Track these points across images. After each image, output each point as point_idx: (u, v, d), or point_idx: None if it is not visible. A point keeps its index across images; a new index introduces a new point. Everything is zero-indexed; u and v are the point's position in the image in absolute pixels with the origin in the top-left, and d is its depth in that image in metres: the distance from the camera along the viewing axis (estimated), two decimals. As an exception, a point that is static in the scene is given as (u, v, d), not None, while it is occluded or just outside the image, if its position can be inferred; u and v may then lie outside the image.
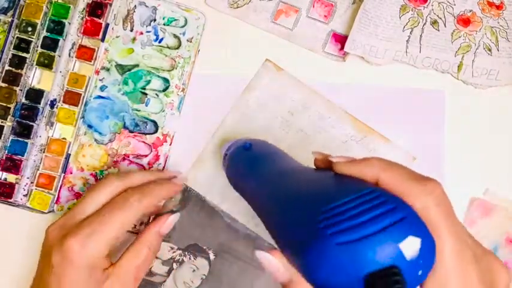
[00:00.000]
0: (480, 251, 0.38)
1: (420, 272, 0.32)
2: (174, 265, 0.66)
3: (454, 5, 0.64)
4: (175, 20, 0.66)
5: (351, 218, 0.32)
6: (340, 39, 0.66)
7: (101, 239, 0.53)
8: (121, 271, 0.54)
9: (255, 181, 0.50)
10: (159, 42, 0.66)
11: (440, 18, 0.64)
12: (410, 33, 0.64)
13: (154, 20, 0.66)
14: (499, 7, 0.64)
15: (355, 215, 0.32)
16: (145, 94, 0.66)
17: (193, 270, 0.66)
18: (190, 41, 0.66)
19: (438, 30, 0.64)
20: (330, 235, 0.32)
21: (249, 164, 0.53)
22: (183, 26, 0.66)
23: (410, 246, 0.31)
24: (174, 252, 0.66)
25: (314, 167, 0.46)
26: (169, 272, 0.66)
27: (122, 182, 0.58)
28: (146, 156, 0.66)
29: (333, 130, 0.65)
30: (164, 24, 0.66)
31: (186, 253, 0.66)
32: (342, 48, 0.66)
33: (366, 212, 0.32)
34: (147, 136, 0.66)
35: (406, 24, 0.64)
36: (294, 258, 0.36)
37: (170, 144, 0.66)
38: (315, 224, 0.34)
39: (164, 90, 0.66)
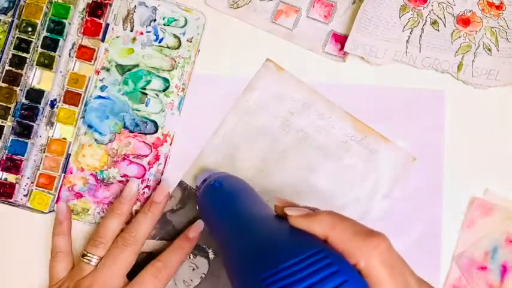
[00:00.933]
0: None
1: None
2: None
3: (454, 5, 0.65)
4: (175, 20, 0.66)
5: (294, 283, 0.33)
6: (340, 40, 0.66)
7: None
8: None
9: (216, 221, 0.52)
10: (159, 42, 0.66)
11: (440, 18, 0.65)
12: (410, 33, 0.65)
13: (154, 20, 0.66)
14: (498, 7, 0.65)
15: (299, 279, 0.34)
16: (146, 94, 0.66)
17: (193, 269, 0.66)
18: (190, 41, 0.66)
19: (438, 31, 0.65)
20: None
21: (214, 204, 0.55)
22: (183, 26, 0.66)
23: None
24: None
25: (274, 214, 0.47)
26: (169, 271, 0.66)
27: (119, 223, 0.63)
28: (146, 156, 0.66)
29: (333, 130, 0.65)
30: (164, 25, 0.66)
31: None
32: (342, 48, 0.66)
33: (310, 276, 0.34)
34: (147, 136, 0.66)
35: (406, 24, 0.64)
36: None
37: (170, 144, 0.66)
38: (262, 284, 0.35)
39: (164, 90, 0.66)
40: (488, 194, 0.65)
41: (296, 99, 0.66)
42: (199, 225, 0.64)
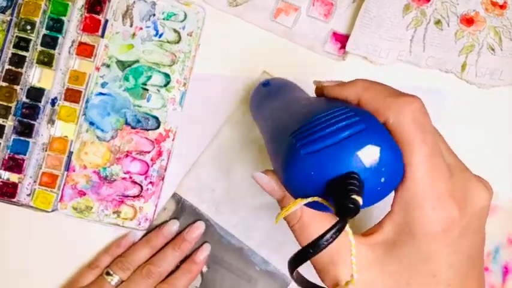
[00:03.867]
0: (458, 167, 0.39)
1: (383, 179, 0.35)
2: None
3: (458, 4, 0.64)
4: (175, 14, 0.66)
5: (317, 131, 0.35)
6: (340, 38, 0.66)
7: None
8: None
9: (264, 113, 0.53)
10: (159, 37, 0.66)
11: (444, 17, 0.64)
12: (414, 32, 0.64)
13: (154, 15, 0.66)
14: (502, 7, 0.64)
15: (321, 128, 0.35)
16: (147, 90, 0.66)
17: None
18: (191, 35, 0.66)
19: (442, 30, 0.64)
20: (299, 147, 0.35)
21: (263, 98, 0.56)
22: (182, 21, 0.66)
23: (369, 154, 0.34)
24: None
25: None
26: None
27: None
28: (149, 152, 0.66)
29: None
30: (164, 19, 0.66)
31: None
32: (342, 47, 0.65)
33: (331, 125, 0.35)
34: (150, 132, 0.66)
35: (410, 23, 0.64)
36: (278, 173, 0.39)
37: (173, 140, 0.66)
38: (290, 139, 0.37)
39: (165, 85, 0.66)
40: (490, 195, 0.65)
41: None
42: (207, 248, 0.65)
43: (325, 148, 0.34)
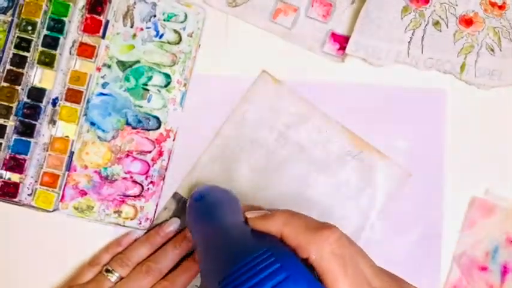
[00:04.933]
0: (381, 285, 0.40)
1: None
2: None
3: (456, 5, 0.64)
4: (175, 15, 0.66)
5: (244, 282, 0.36)
6: (339, 39, 0.66)
7: None
8: None
9: (197, 232, 0.54)
10: (160, 37, 0.66)
11: (443, 19, 0.64)
12: (412, 34, 0.64)
13: (154, 15, 0.66)
14: (501, 7, 0.64)
15: (248, 278, 0.36)
16: (147, 90, 0.66)
17: None
18: (191, 36, 0.66)
19: (440, 31, 0.64)
20: None
21: (194, 217, 0.57)
22: (183, 21, 0.66)
23: None
24: None
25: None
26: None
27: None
28: (150, 152, 0.66)
29: (330, 144, 0.65)
30: (164, 20, 0.66)
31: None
32: (341, 48, 0.66)
33: (257, 274, 0.36)
34: (150, 132, 0.66)
35: (408, 25, 0.64)
36: None
37: (174, 140, 0.66)
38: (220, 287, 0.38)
39: (166, 85, 0.66)
40: (489, 194, 0.65)
41: (293, 113, 0.66)
42: None
43: None
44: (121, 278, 0.62)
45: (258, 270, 0.36)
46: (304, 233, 0.39)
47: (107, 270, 0.62)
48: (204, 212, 0.56)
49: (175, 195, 0.66)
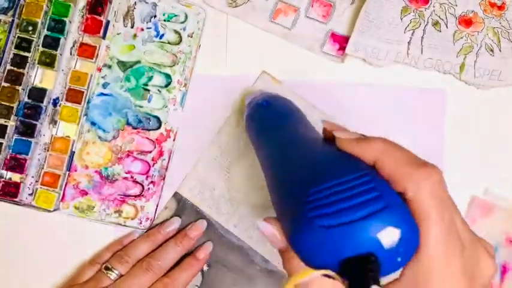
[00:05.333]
0: (469, 240, 0.38)
1: (399, 259, 0.33)
2: None
3: (456, 5, 0.64)
4: (176, 15, 0.66)
5: (335, 202, 0.33)
6: (339, 40, 0.66)
7: None
8: None
9: (264, 143, 0.51)
10: (160, 38, 0.66)
11: (442, 19, 0.64)
12: (412, 34, 0.64)
13: (155, 16, 0.66)
14: (500, 7, 0.64)
15: (340, 200, 0.33)
16: (148, 90, 0.66)
17: None
18: (191, 36, 0.66)
19: (440, 31, 0.64)
20: (314, 217, 0.33)
21: (262, 124, 0.54)
22: (183, 22, 0.66)
23: (389, 236, 0.32)
24: None
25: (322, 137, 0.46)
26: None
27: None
28: (150, 152, 0.66)
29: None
30: (165, 20, 0.66)
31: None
32: (341, 48, 0.66)
33: (351, 198, 0.33)
34: (151, 132, 0.66)
35: (408, 25, 0.64)
36: (285, 230, 0.38)
37: (174, 140, 0.66)
38: (303, 204, 0.35)
39: (166, 86, 0.66)
40: (488, 194, 0.65)
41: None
42: (209, 246, 0.66)
43: (342, 225, 0.33)
44: (121, 276, 0.62)
45: (354, 193, 0.33)
46: (403, 166, 0.36)
47: (106, 268, 0.62)
48: (275, 120, 0.53)
49: (175, 195, 0.67)
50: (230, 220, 0.66)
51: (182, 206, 0.66)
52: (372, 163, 0.38)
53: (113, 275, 0.62)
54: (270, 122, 0.53)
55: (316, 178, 0.36)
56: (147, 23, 0.66)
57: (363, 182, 0.34)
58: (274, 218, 0.41)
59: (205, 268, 0.66)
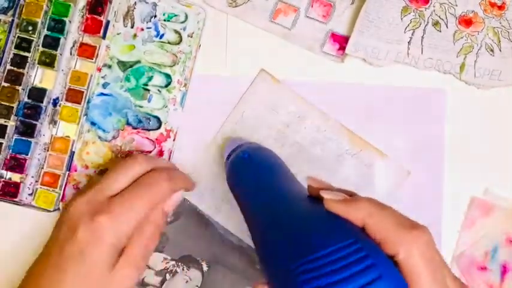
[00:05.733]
0: None
1: None
2: (167, 276, 0.66)
3: (456, 5, 0.64)
4: (176, 15, 0.66)
5: (328, 274, 0.33)
6: (339, 39, 0.66)
7: (131, 219, 0.54)
8: (129, 251, 0.54)
9: (245, 197, 0.50)
10: (160, 38, 0.66)
11: (442, 19, 0.64)
12: (412, 34, 0.64)
13: (155, 16, 0.66)
14: (501, 7, 0.64)
15: (333, 271, 0.33)
16: (148, 90, 0.66)
17: (186, 282, 0.66)
18: (191, 36, 0.66)
19: (440, 31, 0.64)
20: None
21: (243, 178, 0.53)
22: (183, 22, 0.66)
23: None
24: (167, 263, 0.66)
25: (307, 193, 0.46)
26: (162, 283, 0.66)
27: (149, 164, 0.58)
28: (150, 152, 0.66)
29: (329, 143, 0.65)
30: (165, 20, 0.66)
31: (180, 264, 0.66)
32: (341, 48, 0.66)
33: (344, 268, 0.33)
34: (151, 132, 0.66)
35: (408, 25, 0.64)
36: None
37: (174, 140, 0.66)
38: (294, 275, 0.34)
39: (166, 86, 0.66)
40: (488, 194, 0.65)
41: (291, 112, 0.66)
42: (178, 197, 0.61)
43: None
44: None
45: (347, 263, 0.33)
46: (393, 229, 0.37)
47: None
48: (256, 175, 0.52)
49: None
50: (230, 220, 0.66)
51: (181, 207, 0.66)
52: (360, 225, 0.38)
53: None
54: (252, 177, 0.52)
55: (306, 247, 0.36)
56: (147, 23, 0.66)
57: (355, 250, 0.34)
58: (262, 283, 0.41)
59: (205, 268, 0.66)
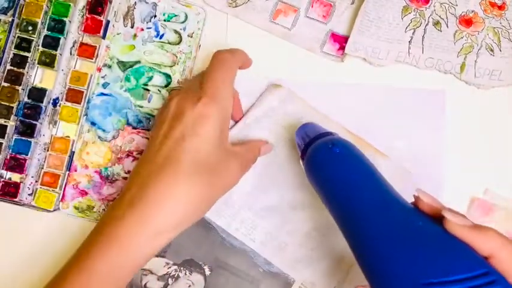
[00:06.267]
0: None
1: None
2: (170, 280, 0.65)
3: (456, 5, 0.64)
4: (176, 15, 0.66)
5: None
6: (339, 39, 0.66)
7: (225, 93, 0.56)
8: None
9: (338, 196, 0.48)
10: (160, 38, 0.66)
11: (443, 19, 0.64)
12: (413, 34, 0.64)
13: (155, 16, 0.66)
14: (501, 7, 0.64)
15: None
16: (148, 90, 0.66)
17: (189, 286, 0.65)
18: (191, 36, 0.66)
19: (440, 31, 0.64)
20: None
21: (336, 176, 0.50)
22: (183, 22, 0.66)
23: None
24: (169, 267, 0.65)
25: (412, 204, 0.45)
26: (164, 288, 0.66)
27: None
28: (150, 152, 0.66)
29: None
30: (165, 20, 0.66)
31: (182, 268, 0.65)
32: (341, 48, 0.66)
33: None
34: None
35: (408, 25, 0.64)
36: None
37: (173, 140, 0.66)
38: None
39: (166, 86, 0.66)
40: (488, 194, 0.65)
41: (292, 114, 0.65)
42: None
43: None
44: None
45: None
46: None
47: None
48: (350, 168, 0.49)
49: None
50: (231, 224, 0.65)
51: None
52: (486, 255, 0.38)
53: None
54: (349, 176, 0.49)
55: (436, 266, 0.36)
56: (147, 23, 0.66)
57: (488, 282, 0.34)
58: (363, 286, 0.42)
59: (207, 272, 0.65)
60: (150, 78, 0.66)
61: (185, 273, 0.65)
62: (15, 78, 0.64)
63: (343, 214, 0.47)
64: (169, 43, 0.66)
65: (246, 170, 0.60)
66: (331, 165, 0.50)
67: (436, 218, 0.42)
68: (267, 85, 0.66)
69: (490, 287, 0.34)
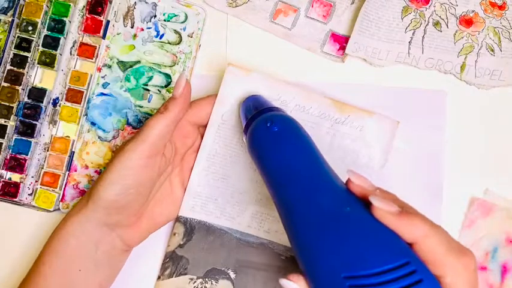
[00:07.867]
0: None
1: None
2: None
3: (457, 5, 0.64)
4: (176, 15, 0.66)
5: None
6: (339, 39, 0.66)
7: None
8: None
9: (273, 175, 0.47)
10: (160, 38, 0.66)
11: (443, 19, 0.64)
12: (413, 34, 0.64)
13: (155, 16, 0.66)
14: (501, 7, 0.64)
15: None
16: (148, 90, 0.66)
17: None
18: (191, 36, 0.66)
19: (440, 31, 0.64)
20: None
21: (270, 154, 0.49)
22: (183, 22, 0.66)
23: None
24: (194, 282, 0.64)
25: (345, 184, 0.44)
26: (195, 303, 0.65)
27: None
28: (150, 152, 0.66)
29: (317, 119, 0.63)
30: (165, 20, 0.66)
31: (207, 279, 0.64)
32: (341, 48, 0.66)
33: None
34: (151, 132, 0.66)
35: (408, 25, 0.64)
36: None
37: (173, 140, 0.66)
38: (342, 283, 0.34)
39: (166, 86, 0.66)
40: (489, 194, 0.65)
41: (272, 98, 0.62)
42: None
43: None
44: None
45: (402, 286, 0.34)
46: (445, 252, 0.37)
47: None
48: (286, 147, 0.48)
49: (179, 219, 0.64)
50: (242, 222, 0.64)
51: (190, 227, 0.64)
52: (410, 242, 0.38)
53: None
54: (283, 154, 0.48)
55: (356, 258, 0.36)
56: (147, 23, 0.66)
57: (409, 272, 0.35)
58: (298, 275, 0.41)
59: (233, 276, 0.63)
60: (150, 78, 0.66)
61: (211, 283, 0.64)
62: (15, 78, 0.64)
63: (278, 196, 0.46)
64: (169, 43, 0.66)
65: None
66: (268, 145, 0.50)
67: (368, 202, 0.41)
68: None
69: (410, 277, 0.34)
